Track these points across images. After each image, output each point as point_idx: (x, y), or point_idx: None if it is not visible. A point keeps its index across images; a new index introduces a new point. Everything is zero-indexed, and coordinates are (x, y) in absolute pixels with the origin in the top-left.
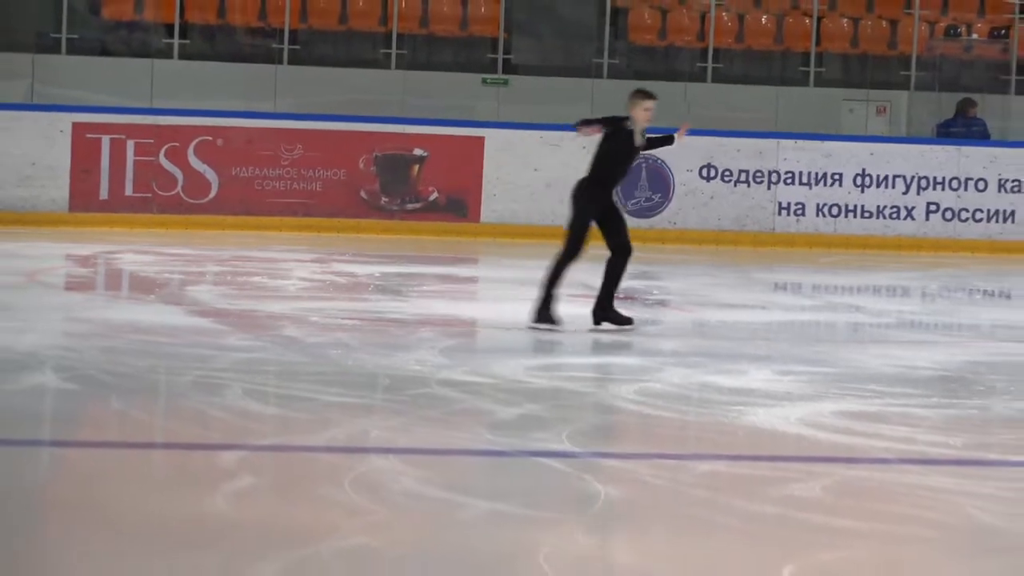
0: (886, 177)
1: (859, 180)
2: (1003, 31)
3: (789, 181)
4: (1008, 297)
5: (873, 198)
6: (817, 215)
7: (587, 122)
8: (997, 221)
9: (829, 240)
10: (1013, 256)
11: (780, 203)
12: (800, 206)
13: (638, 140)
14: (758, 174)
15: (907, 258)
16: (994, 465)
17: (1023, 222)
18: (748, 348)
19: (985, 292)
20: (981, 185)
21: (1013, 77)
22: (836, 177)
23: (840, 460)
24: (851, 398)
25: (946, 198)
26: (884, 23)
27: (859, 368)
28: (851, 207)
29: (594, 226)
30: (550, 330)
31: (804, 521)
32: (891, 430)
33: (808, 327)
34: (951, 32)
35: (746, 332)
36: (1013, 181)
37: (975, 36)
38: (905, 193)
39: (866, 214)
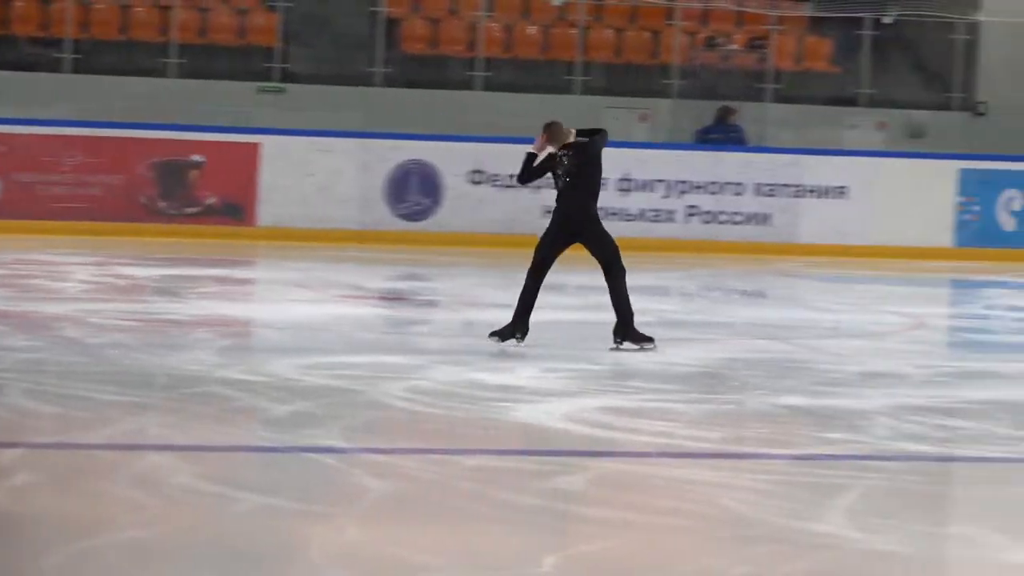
0: (648, 182)
1: (622, 185)
2: (760, 41)
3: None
4: (763, 297)
5: (635, 201)
6: None
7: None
8: (752, 224)
9: None
10: (768, 257)
11: (546, 207)
12: None
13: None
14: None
15: (668, 259)
16: (749, 458)
17: (777, 224)
18: (520, 347)
19: (741, 292)
20: (738, 189)
21: (770, 85)
22: (601, 181)
23: (602, 454)
24: (613, 394)
25: (705, 201)
26: (647, 34)
27: (621, 365)
28: (614, 210)
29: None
30: (652, 347)
31: (568, 513)
32: (651, 425)
33: (573, 326)
34: (711, 42)
35: None
36: (768, 185)
37: (734, 46)
38: (666, 197)
39: (629, 217)
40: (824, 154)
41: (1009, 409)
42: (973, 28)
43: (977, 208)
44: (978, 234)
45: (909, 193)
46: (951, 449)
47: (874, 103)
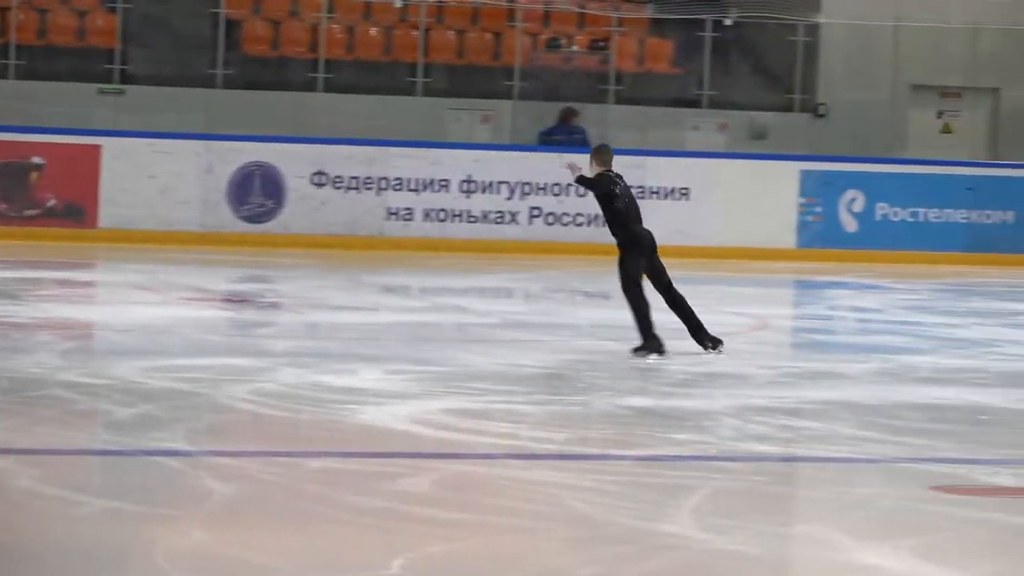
0: (491, 183)
1: (465, 186)
2: (602, 43)
3: (398, 187)
4: (607, 298)
5: (479, 203)
6: (425, 220)
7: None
8: (597, 225)
9: (437, 244)
10: (611, 258)
11: (389, 209)
12: (408, 211)
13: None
14: (368, 181)
15: (512, 261)
16: (595, 459)
17: None
18: (359, 348)
19: (585, 293)
20: (581, 191)
21: (612, 87)
22: (443, 183)
23: (447, 456)
24: (458, 396)
25: (548, 203)
26: (488, 35)
27: (465, 367)
28: (458, 212)
29: None
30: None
31: (413, 514)
32: (496, 426)
33: (416, 328)
34: (552, 44)
35: (356, 333)
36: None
37: (575, 48)
38: (509, 198)
39: (472, 219)
40: (667, 155)
41: (853, 409)
42: (813, 30)
43: (819, 209)
44: (820, 235)
45: (752, 194)
46: (796, 449)
47: (716, 105)
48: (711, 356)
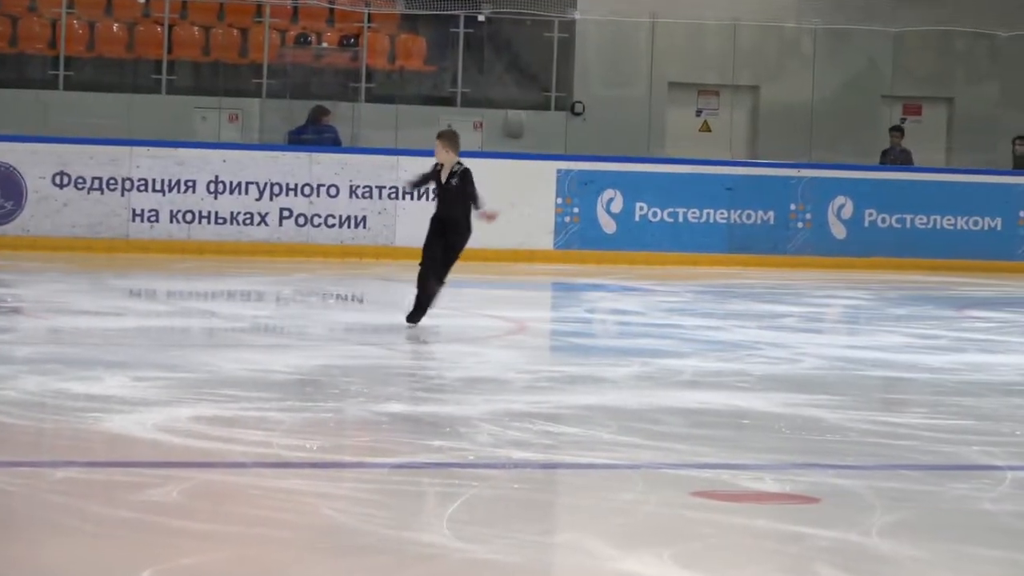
0: (239, 184)
1: (212, 187)
2: (353, 40)
3: (143, 188)
4: (360, 301)
5: (227, 204)
6: (171, 222)
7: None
8: (349, 227)
9: (184, 246)
10: (365, 261)
11: (134, 210)
12: (154, 213)
13: (443, 178)
14: (111, 181)
15: (262, 263)
16: (350, 467)
17: (374, 228)
18: (103, 354)
19: (338, 296)
20: (333, 191)
21: (363, 85)
22: (189, 184)
23: (197, 465)
24: (207, 403)
25: (298, 204)
26: (235, 31)
27: (215, 373)
28: (205, 213)
29: None
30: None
31: (163, 525)
32: (247, 434)
33: (163, 333)
34: (301, 40)
35: (101, 338)
36: (364, 187)
37: (325, 45)
38: (259, 199)
39: (220, 220)
40: (421, 155)
41: (613, 414)
42: (569, 26)
43: (577, 210)
44: (579, 236)
45: (508, 194)
46: (556, 456)
47: (470, 102)
48: (470, 362)
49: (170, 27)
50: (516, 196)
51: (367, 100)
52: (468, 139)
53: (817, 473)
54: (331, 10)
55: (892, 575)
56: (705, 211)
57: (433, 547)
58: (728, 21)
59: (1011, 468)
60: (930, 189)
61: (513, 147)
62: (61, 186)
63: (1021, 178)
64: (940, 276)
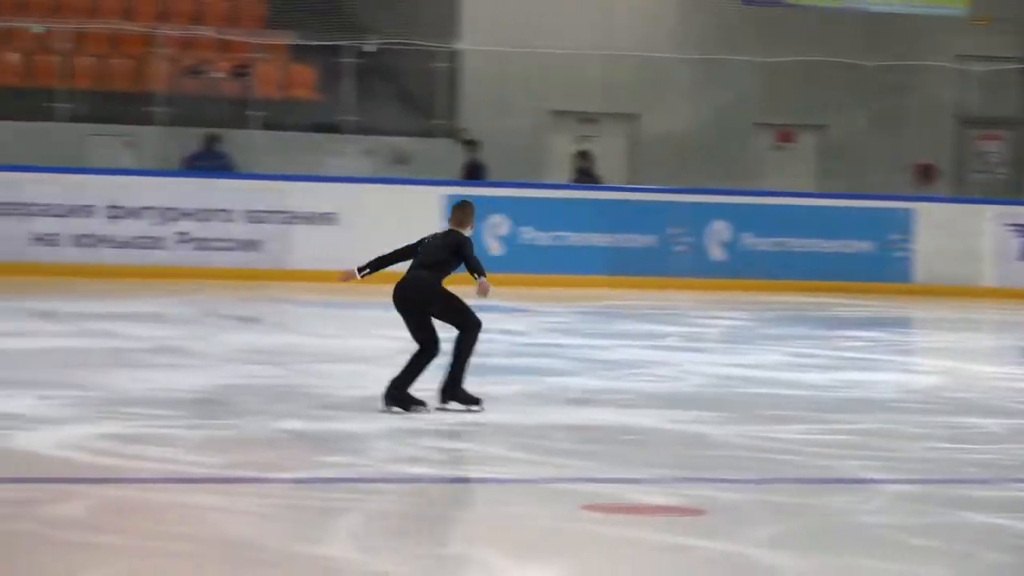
0: (137, 209)
1: (111, 212)
2: (244, 69)
3: (43, 213)
4: (258, 322)
5: (124, 229)
6: (73, 245)
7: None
8: (244, 250)
9: (85, 270)
10: (260, 283)
11: (35, 234)
12: (55, 237)
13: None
14: (10, 206)
15: (161, 286)
16: (250, 482)
17: (268, 251)
18: (9, 374)
19: (236, 318)
20: (228, 216)
21: (254, 113)
22: (87, 209)
23: (102, 481)
24: (111, 421)
25: (194, 228)
26: (130, 61)
27: (119, 392)
28: (103, 237)
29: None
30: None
31: (67, 541)
32: (151, 451)
33: (68, 353)
34: (195, 70)
35: (6, 359)
36: (257, 212)
37: (218, 74)
38: (155, 224)
39: (118, 244)
40: (309, 180)
41: (504, 430)
42: (454, 56)
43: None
44: None
45: (398, 219)
46: (450, 471)
47: (359, 130)
48: (365, 381)
49: (66, 56)
50: (404, 221)
51: (258, 127)
52: (357, 166)
53: (703, 487)
54: (223, 41)
55: None
56: (586, 235)
57: (330, 560)
58: (606, 51)
59: (888, 482)
60: (804, 213)
61: (400, 174)
62: None
63: (891, 203)
64: (815, 297)
